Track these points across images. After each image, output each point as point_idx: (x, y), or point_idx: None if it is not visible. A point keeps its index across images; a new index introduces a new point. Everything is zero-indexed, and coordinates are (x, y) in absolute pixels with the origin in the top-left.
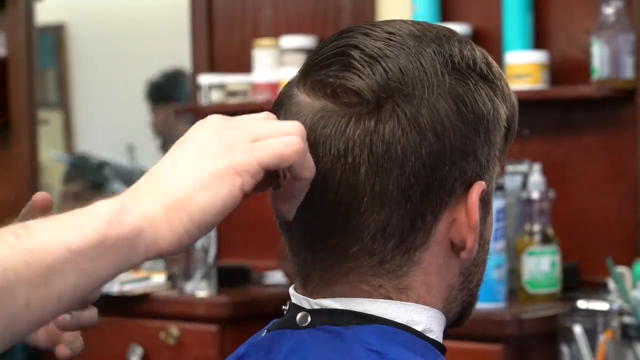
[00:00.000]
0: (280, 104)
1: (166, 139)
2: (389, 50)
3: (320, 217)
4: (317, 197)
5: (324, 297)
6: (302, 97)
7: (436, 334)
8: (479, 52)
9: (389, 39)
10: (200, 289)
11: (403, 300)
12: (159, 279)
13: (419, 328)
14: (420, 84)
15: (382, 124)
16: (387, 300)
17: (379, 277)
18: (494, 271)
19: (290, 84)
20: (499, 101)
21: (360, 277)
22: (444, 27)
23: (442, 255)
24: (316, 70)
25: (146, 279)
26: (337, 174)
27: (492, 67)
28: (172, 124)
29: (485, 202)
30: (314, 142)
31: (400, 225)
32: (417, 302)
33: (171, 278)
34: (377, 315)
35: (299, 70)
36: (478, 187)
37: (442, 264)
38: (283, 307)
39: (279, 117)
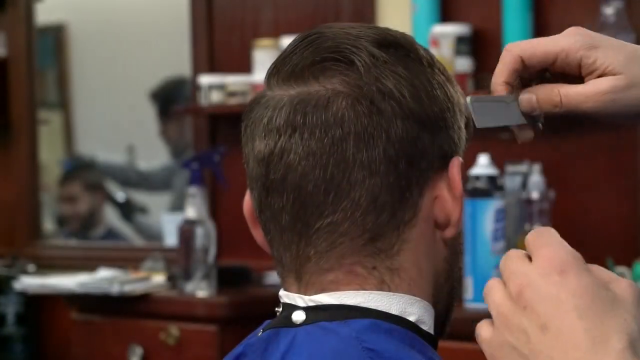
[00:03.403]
0: (251, 110)
1: (177, 147)
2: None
3: (314, 198)
4: (309, 178)
5: (319, 291)
6: (276, 92)
7: (428, 326)
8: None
9: (357, 37)
10: (200, 289)
11: (396, 284)
12: (159, 279)
13: (412, 318)
14: (395, 57)
15: (366, 95)
16: (380, 292)
17: (372, 258)
18: (493, 271)
19: (257, 94)
20: (458, 92)
21: (355, 258)
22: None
23: (429, 235)
24: (285, 66)
25: (146, 279)
26: (326, 149)
27: (445, 68)
28: (184, 133)
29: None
30: (298, 126)
31: (390, 197)
32: (409, 285)
33: (171, 278)
34: (371, 307)
35: (265, 79)
36: (457, 161)
37: (429, 245)
38: (276, 309)
39: (249, 121)
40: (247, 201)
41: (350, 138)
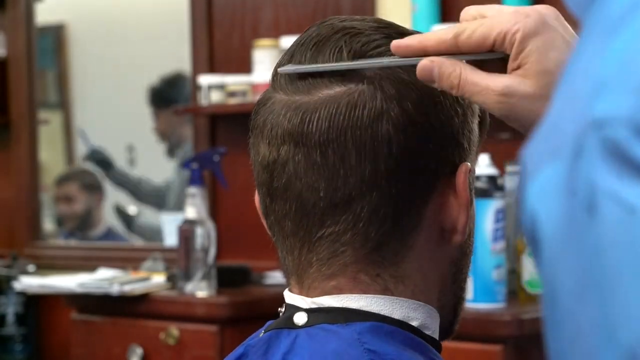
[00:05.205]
0: (257, 113)
1: (171, 142)
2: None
3: (316, 208)
4: (311, 189)
5: (321, 295)
6: (281, 96)
7: (432, 330)
8: None
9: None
10: (200, 289)
11: (400, 290)
12: (159, 279)
13: (414, 324)
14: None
15: (368, 105)
16: (383, 296)
17: (375, 266)
18: (493, 272)
19: (263, 94)
20: None
21: (358, 266)
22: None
23: (434, 241)
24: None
25: (146, 279)
26: (327, 161)
27: None
28: (176, 127)
29: (469, 187)
30: (300, 136)
31: (392, 209)
32: (413, 291)
33: (171, 278)
34: (373, 312)
35: (271, 79)
36: (464, 168)
37: (435, 251)
38: (279, 309)
39: (254, 124)
40: (258, 198)
41: (351, 150)
